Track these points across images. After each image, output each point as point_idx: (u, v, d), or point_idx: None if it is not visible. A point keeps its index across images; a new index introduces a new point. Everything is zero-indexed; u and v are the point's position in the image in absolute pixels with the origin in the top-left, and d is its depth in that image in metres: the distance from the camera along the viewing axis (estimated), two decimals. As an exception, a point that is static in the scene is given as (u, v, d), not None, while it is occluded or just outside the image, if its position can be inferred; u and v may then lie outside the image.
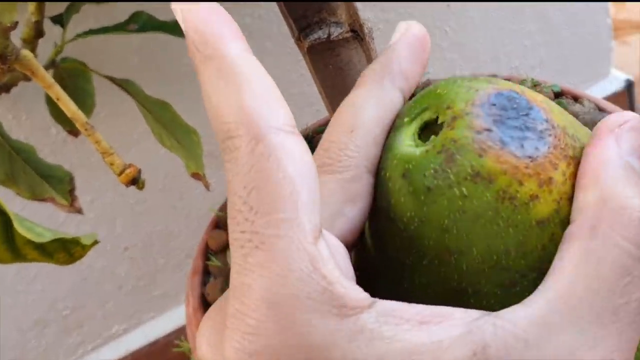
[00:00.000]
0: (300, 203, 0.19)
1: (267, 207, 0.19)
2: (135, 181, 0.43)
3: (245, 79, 0.20)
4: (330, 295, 0.19)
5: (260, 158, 0.19)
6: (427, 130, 0.23)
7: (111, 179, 0.44)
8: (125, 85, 0.59)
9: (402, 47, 0.26)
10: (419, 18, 0.65)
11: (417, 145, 0.23)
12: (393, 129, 0.24)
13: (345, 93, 0.25)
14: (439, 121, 0.23)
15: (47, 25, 0.54)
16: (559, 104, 0.66)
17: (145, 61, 0.73)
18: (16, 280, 0.78)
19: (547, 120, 0.22)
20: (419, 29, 0.27)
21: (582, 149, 0.22)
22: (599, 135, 0.22)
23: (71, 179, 0.54)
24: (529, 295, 0.20)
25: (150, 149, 0.70)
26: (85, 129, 0.42)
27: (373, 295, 0.20)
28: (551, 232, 0.21)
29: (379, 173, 0.23)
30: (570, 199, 0.21)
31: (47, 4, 0.51)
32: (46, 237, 0.39)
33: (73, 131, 0.65)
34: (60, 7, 0.59)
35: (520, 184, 0.21)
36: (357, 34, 0.36)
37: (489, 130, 0.21)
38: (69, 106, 0.42)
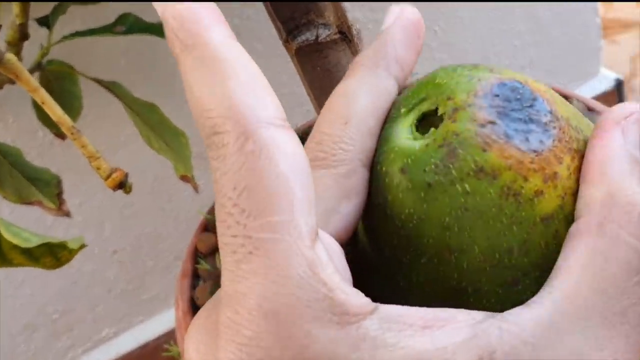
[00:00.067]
0: (296, 203, 0.18)
1: (260, 209, 0.18)
2: (122, 185, 0.43)
3: (230, 67, 0.19)
4: (330, 303, 0.18)
5: (250, 156, 0.18)
6: (425, 121, 0.22)
7: (99, 182, 0.44)
8: (112, 88, 0.59)
9: (397, 31, 0.24)
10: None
11: (415, 138, 0.22)
12: (389, 120, 0.23)
13: (333, 96, 0.25)
14: (439, 112, 0.22)
15: (33, 26, 0.53)
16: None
17: (132, 63, 0.72)
18: (4, 284, 0.77)
19: (551, 112, 0.21)
20: (413, 12, 0.25)
21: (585, 141, 0.21)
22: (604, 127, 0.21)
23: (59, 182, 0.54)
24: (530, 293, 0.19)
25: (138, 151, 0.69)
26: (71, 133, 0.42)
27: (366, 292, 0.19)
28: (555, 228, 0.20)
29: (374, 167, 0.22)
30: (575, 194, 0.21)
31: (33, 4, 0.51)
32: (33, 242, 0.39)
33: (60, 134, 0.64)
34: (46, 8, 0.59)
35: (525, 179, 0.20)
36: (345, 35, 0.36)
37: (492, 123, 0.20)
38: (54, 110, 0.41)
